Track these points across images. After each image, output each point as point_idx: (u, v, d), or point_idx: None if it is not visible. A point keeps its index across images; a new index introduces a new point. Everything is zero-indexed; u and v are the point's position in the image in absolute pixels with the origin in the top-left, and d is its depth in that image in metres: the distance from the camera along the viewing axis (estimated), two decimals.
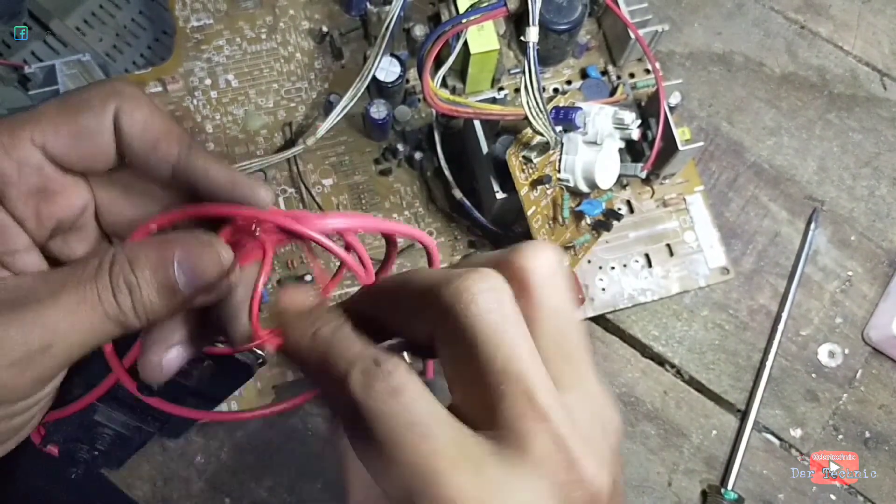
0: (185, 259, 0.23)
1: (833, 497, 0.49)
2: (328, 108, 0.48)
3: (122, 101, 0.23)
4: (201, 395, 0.32)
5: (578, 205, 0.44)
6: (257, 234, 0.24)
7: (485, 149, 0.44)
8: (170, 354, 0.24)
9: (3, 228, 0.23)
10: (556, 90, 0.52)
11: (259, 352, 0.34)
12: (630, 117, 0.42)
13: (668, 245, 0.50)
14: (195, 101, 0.49)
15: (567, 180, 0.43)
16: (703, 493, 0.48)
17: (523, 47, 0.40)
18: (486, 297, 0.19)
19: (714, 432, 0.49)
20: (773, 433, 0.49)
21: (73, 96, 0.24)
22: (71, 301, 0.22)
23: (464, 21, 0.41)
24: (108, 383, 0.29)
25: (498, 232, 0.47)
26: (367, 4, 0.49)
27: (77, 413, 0.29)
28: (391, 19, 0.43)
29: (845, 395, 0.50)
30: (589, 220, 0.45)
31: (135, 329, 0.23)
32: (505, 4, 0.41)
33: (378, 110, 0.46)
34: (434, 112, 0.47)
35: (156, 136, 0.23)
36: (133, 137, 0.23)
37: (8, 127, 0.23)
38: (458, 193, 0.46)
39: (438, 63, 0.43)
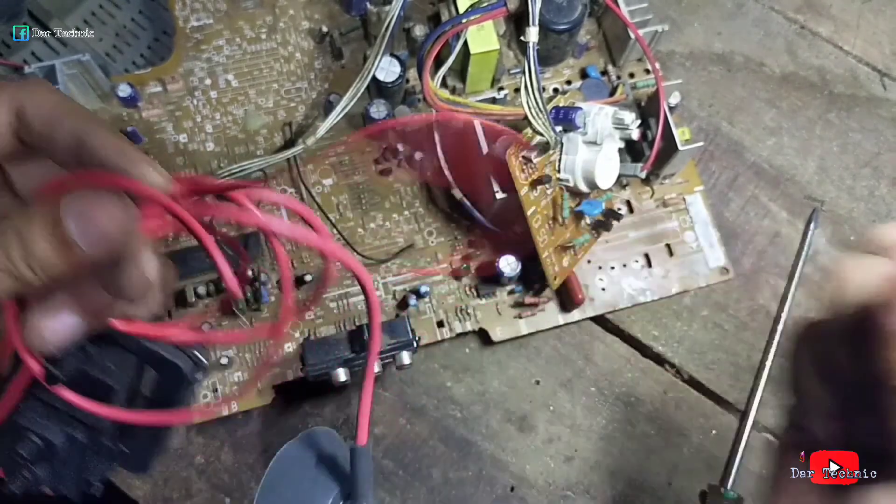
0: (75, 208, 0.21)
1: None
2: (328, 107, 0.48)
3: (25, 93, 0.23)
4: (152, 404, 0.28)
5: (578, 205, 0.44)
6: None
7: (485, 149, 0.44)
8: (58, 321, 0.23)
9: None
10: (555, 90, 0.52)
11: (199, 356, 0.29)
12: (630, 117, 0.42)
13: (667, 245, 0.50)
14: (195, 101, 0.50)
15: (567, 180, 0.43)
16: (703, 493, 0.48)
17: (523, 47, 0.40)
18: None
19: (714, 432, 0.49)
20: (772, 433, 0.49)
21: None
22: None
23: (464, 21, 0.41)
24: (24, 376, 0.25)
25: (498, 232, 0.47)
26: (367, 4, 0.49)
27: (6, 422, 0.26)
28: (391, 19, 0.43)
29: None
30: (589, 220, 0.45)
31: (38, 287, 0.22)
32: (505, 4, 0.41)
33: (378, 110, 0.47)
34: (434, 112, 0.47)
35: (57, 115, 0.23)
36: (33, 118, 0.23)
37: None
38: (458, 193, 0.46)
39: (438, 63, 0.43)
